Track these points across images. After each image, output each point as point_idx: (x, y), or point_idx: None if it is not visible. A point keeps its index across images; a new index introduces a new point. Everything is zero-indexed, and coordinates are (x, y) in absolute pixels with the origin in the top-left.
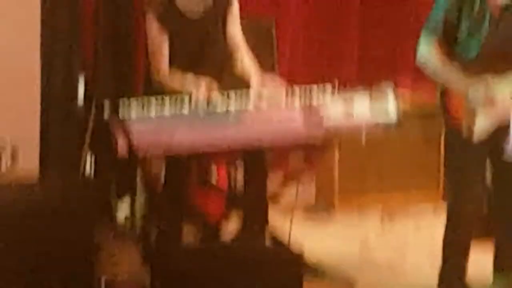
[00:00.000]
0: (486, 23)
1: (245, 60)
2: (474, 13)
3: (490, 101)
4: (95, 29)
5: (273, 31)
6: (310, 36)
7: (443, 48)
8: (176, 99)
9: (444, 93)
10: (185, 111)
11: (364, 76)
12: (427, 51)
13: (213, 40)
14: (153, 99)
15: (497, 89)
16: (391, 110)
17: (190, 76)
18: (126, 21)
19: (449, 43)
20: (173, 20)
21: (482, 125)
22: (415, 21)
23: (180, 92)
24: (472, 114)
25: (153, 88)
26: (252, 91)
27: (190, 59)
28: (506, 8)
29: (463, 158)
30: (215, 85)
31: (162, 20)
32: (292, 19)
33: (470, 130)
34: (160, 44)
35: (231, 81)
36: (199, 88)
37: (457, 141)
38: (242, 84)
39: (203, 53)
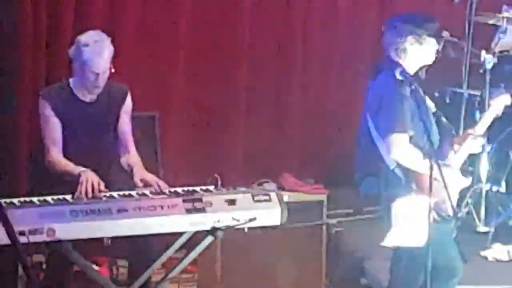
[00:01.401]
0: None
1: (133, 155)
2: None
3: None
4: None
5: (157, 129)
6: (193, 134)
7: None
8: (58, 199)
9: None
10: (69, 197)
11: (247, 175)
12: (403, 151)
13: (105, 124)
14: (35, 199)
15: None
16: (274, 211)
17: (78, 168)
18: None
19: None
20: (67, 104)
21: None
22: (300, 120)
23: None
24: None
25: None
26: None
27: (82, 144)
28: None
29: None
30: (102, 185)
31: (56, 105)
32: (175, 115)
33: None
34: (52, 127)
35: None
36: (85, 184)
37: None
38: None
39: (95, 137)
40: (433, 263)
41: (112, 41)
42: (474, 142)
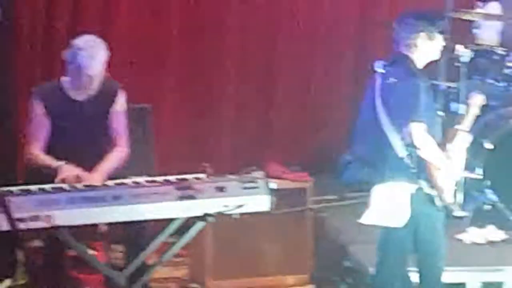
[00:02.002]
0: None
1: (115, 151)
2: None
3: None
4: None
5: (149, 120)
6: (185, 124)
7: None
8: (56, 187)
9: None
10: (66, 186)
11: (236, 163)
12: (422, 139)
13: (96, 121)
14: (34, 187)
15: None
16: (262, 197)
17: (57, 162)
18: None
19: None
20: (59, 102)
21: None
22: (286, 110)
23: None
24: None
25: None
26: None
27: (74, 141)
28: None
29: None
30: (84, 177)
31: (48, 103)
32: (167, 107)
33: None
34: (38, 124)
35: None
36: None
37: None
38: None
39: (87, 134)
40: (423, 247)
41: (106, 36)
42: (464, 137)
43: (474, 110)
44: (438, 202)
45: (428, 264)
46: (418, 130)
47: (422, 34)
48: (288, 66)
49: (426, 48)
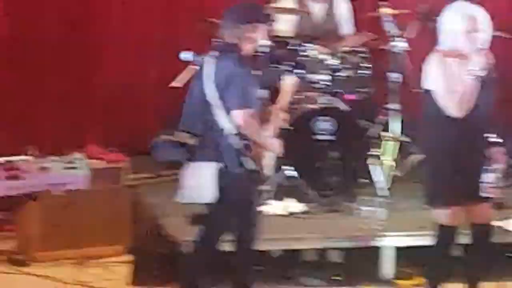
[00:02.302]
0: None
1: None
2: None
3: None
4: None
5: None
6: (9, 108)
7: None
8: None
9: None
10: None
11: (58, 145)
12: (248, 123)
13: None
14: None
15: None
16: (82, 176)
17: None
18: None
19: None
20: None
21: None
22: (102, 96)
23: None
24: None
25: None
26: None
27: None
28: None
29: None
30: None
31: None
32: None
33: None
34: None
35: None
36: None
37: None
38: None
39: None
40: (242, 220)
41: None
42: (281, 116)
43: (287, 92)
44: (257, 178)
45: (243, 235)
46: (244, 114)
47: (248, 25)
48: (108, 52)
49: (251, 39)
